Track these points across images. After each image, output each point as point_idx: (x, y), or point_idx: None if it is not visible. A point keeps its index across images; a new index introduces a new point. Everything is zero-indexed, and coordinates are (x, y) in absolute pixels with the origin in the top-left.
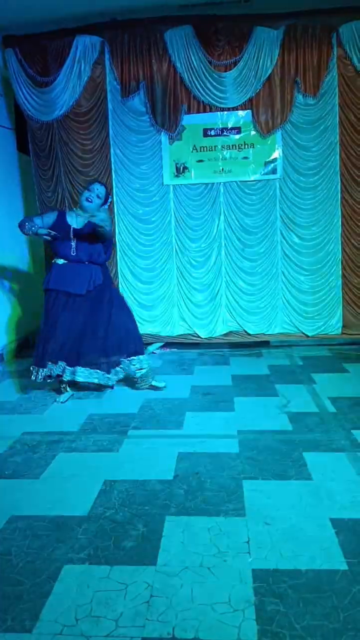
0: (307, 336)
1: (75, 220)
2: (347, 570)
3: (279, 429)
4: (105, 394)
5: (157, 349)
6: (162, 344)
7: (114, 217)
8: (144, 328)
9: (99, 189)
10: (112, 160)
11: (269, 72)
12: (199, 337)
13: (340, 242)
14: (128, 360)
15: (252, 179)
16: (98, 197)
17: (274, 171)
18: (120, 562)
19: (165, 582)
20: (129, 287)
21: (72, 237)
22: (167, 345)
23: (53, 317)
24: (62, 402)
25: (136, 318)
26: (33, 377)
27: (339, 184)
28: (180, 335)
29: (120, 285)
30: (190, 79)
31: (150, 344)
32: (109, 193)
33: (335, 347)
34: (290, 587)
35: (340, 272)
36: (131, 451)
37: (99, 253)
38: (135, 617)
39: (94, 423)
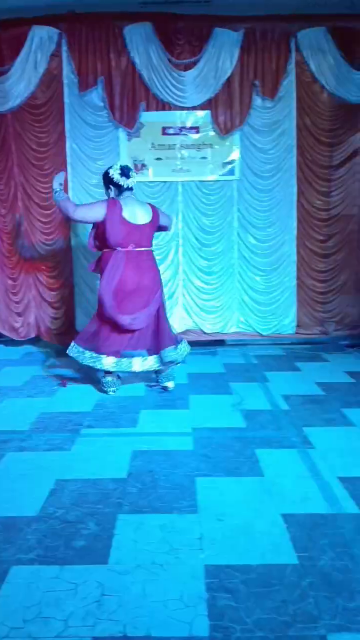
0: (262, 335)
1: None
2: (297, 564)
3: (233, 426)
4: (57, 392)
5: None
6: None
7: None
8: None
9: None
10: (68, 154)
11: (229, 73)
12: None
13: (295, 243)
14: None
15: (210, 179)
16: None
17: (231, 172)
18: (70, 561)
19: (117, 581)
20: (84, 285)
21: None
22: None
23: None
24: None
25: (89, 316)
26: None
27: (295, 187)
28: None
29: (75, 282)
30: (150, 76)
31: None
32: (103, 177)
33: (289, 347)
34: (241, 582)
35: (295, 273)
36: (84, 450)
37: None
38: (86, 616)
39: (45, 422)
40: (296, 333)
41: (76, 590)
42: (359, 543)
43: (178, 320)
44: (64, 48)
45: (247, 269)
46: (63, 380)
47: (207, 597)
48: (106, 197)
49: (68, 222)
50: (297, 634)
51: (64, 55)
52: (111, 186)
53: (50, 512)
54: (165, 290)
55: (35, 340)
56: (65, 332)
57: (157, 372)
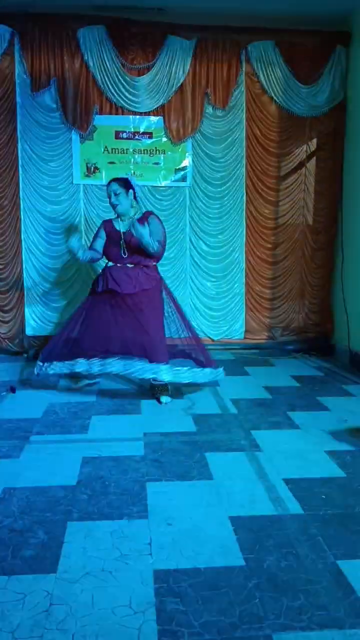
0: (213, 340)
1: (122, 225)
2: (244, 566)
3: (184, 430)
4: (5, 399)
5: None
6: None
7: (20, 214)
8: (49, 330)
9: (113, 188)
10: (20, 155)
11: (181, 80)
12: None
13: (244, 250)
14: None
15: (162, 184)
16: (115, 194)
17: (184, 179)
18: (18, 571)
19: (66, 589)
20: (35, 288)
21: (120, 240)
22: None
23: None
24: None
25: (42, 320)
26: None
27: (244, 195)
28: None
29: (25, 286)
30: (103, 79)
31: None
32: (126, 182)
33: (238, 351)
34: (189, 586)
35: (244, 279)
36: (33, 457)
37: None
38: (34, 627)
39: None
40: (245, 338)
41: (24, 600)
42: (303, 543)
43: None
44: (17, 47)
45: (199, 275)
46: (11, 386)
47: (155, 602)
48: (129, 199)
49: (17, 226)
50: (243, 634)
51: (17, 54)
52: (131, 192)
53: None
54: None
55: None
56: (16, 335)
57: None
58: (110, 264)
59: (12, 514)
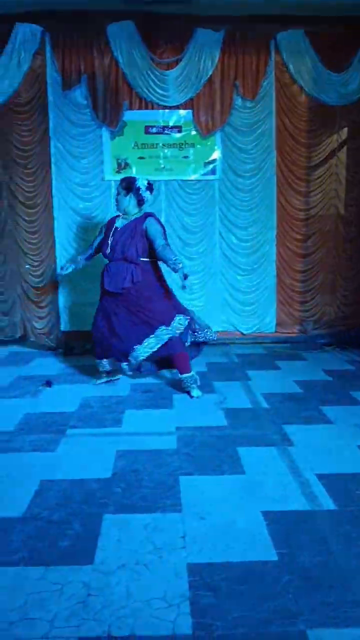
0: (243, 334)
1: (120, 222)
2: (277, 560)
3: (216, 424)
4: (42, 393)
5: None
6: None
7: (52, 211)
8: (82, 325)
9: (116, 187)
10: (52, 152)
11: (210, 73)
12: None
13: (274, 243)
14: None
15: (192, 178)
16: (118, 193)
17: (213, 172)
18: (55, 562)
19: (102, 581)
20: (69, 283)
21: (110, 235)
22: None
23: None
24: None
25: (75, 315)
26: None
27: (275, 187)
28: None
29: (60, 282)
30: (132, 75)
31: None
32: (129, 183)
33: (269, 345)
34: (223, 580)
35: (275, 272)
36: (69, 450)
37: (136, 251)
38: (71, 617)
39: (30, 422)
40: (276, 332)
41: (61, 591)
42: (337, 539)
43: None
44: (48, 46)
45: (229, 269)
46: (48, 380)
47: (189, 596)
48: (116, 202)
49: (50, 223)
50: (277, 629)
51: (48, 53)
52: (132, 195)
53: (35, 513)
54: None
55: (21, 340)
56: (51, 331)
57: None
58: (106, 261)
59: (49, 506)
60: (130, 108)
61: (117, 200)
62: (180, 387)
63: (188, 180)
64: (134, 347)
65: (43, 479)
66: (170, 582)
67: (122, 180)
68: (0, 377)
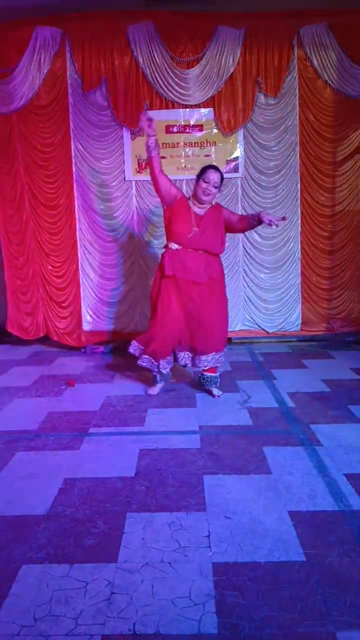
0: (268, 333)
1: (198, 210)
2: (304, 561)
3: (240, 424)
4: (65, 392)
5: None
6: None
7: (74, 212)
8: (105, 325)
9: (214, 179)
10: (73, 154)
11: (231, 70)
12: None
13: (299, 240)
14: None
15: None
16: (215, 186)
17: (235, 169)
18: (80, 560)
19: (126, 579)
20: (90, 283)
21: (193, 222)
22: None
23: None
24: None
25: (98, 315)
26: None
27: (299, 183)
28: (142, 331)
29: (81, 282)
30: (153, 75)
31: (112, 341)
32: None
33: (294, 344)
34: (249, 580)
35: (300, 270)
36: (92, 449)
37: (220, 243)
38: (96, 614)
39: (54, 421)
40: (302, 330)
41: (86, 588)
42: None
43: None
44: (67, 48)
45: (253, 267)
46: (70, 379)
47: (215, 595)
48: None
49: (72, 224)
50: (305, 630)
51: (67, 55)
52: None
53: (59, 510)
54: None
55: (44, 340)
56: (73, 331)
57: (202, 377)
58: (175, 245)
59: (73, 504)
60: (151, 108)
61: (203, 194)
62: (200, 386)
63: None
64: (201, 357)
65: (67, 477)
66: (195, 581)
67: (220, 172)
68: (23, 376)
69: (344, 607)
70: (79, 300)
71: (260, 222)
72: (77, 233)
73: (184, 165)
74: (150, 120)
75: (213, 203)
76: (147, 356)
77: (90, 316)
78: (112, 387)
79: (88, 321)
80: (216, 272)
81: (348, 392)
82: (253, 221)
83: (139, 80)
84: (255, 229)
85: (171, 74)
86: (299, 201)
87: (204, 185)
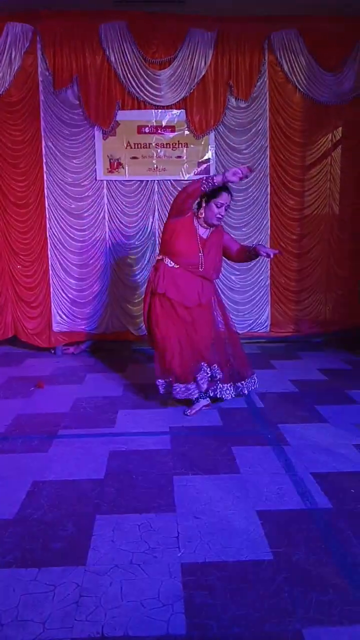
0: (238, 334)
1: (201, 228)
2: (272, 560)
3: (210, 424)
4: (34, 394)
5: (87, 347)
6: (92, 342)
7: (45, 211)
8: (75, 325)
9: (227, 202)
10: (44, 152)
11: (203, 73)
12: (132, 334)
13: (269, 243)
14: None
15: (185, 178)
16: (226, 209)
17: (207, 171)
18: (48, 563)
19: (95, 582)
20: (60, 283)
21: (199, 247)
22: (100, 342)
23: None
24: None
25: (68, 315)
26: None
27: (269, 187)
28: (113, 332)
29: (51, 281)
30: (125, 74)
31: (82, 341)
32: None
33: (264, 345)
34: (218, 579)
35: (269, 272)
36: (61, 451)
37: (218, 269)
38: (64, 618)
39: (22, 423)
40: (271, 331)
41: (54, 592)
42: (332, 537)
43: None
44: (39, 45)
45: (223, 268)
46: (40, 381)
47: (184, 595)
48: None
49: (42, 223)
50: (272, 629)
51: (39, 52)
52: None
53: (27, 514)
54: (143, 289)
55: (13, 340)
56: (43, 331)
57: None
58: (171, 263)
59: (41, 506)
60: (123, 108)
61: (216, 218)
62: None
63: (181, 180)
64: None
65: (35, 480)
66: (164, 582)
67: (230, 193)
68: None
69: (310, 604)
70: (49, 301)
71: (256, 255)
72: (48, 232)
73: (155, 166)
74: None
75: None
76: (178, 384)
77: (61, 317)
78: (83, 388)
79: (58, 322)
80: (206, 299)
81: (315, 393)
82: (250, 254)
83: (111, 79)
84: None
85: (143, 74)
86: (268, 204)
87: (216, 210)
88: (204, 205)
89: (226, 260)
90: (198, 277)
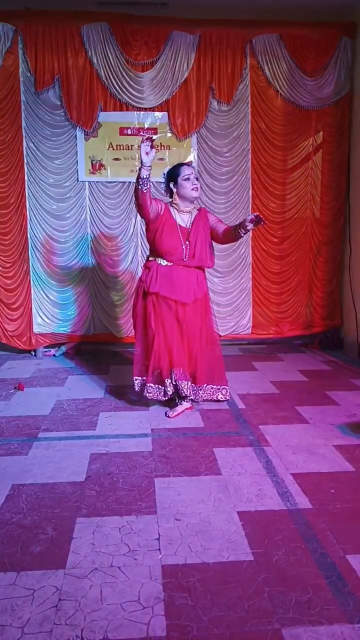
0: (220, 336)
1: (181, 218)
2: (252, 560)
3: (191, 426)
4: (13, 396)
5: (69, 349)
6: (73, 344)
7: (26, 212)
8: (57, 327)
9: (193, 172)
10: (25, 153)
11: (185, 75)
12: (114, 336)
13: (250, 245)
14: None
15: None
16: (197, 178)
17: None
18: (27, 567)
19: (75, 585)
20: (42, 285)
21: (181, 238)
22: (81, 344)
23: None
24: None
25: (50, 317)
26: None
27: (250, 189)
28: (95, 334)
29: (32, 283)
30: (107, 76)
31: (64, 343)
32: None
33: (245, 346)
34: (198, 581)
35: (251, 274)
36: (41, 454)
37: (211, 255)
38: (43, 622)
39: (2, 426)
40: (252, 333)
41: (33, 596)
42: (312, 538)
43: None
44: (20, 45)
45: (206, 270)
46: (20, 383)
47: (164, 597)
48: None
49: (23, 224)
50: (252, 629)
51: (20, 52)
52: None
53: (6, 518)
54: (125, 291)
55: None
56: (23, 333)
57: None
58: (164, 262)
59: (20, 510)
60: (105, 109)
61: (192, 190)
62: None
63: (164, 182)
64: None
65: (15, 483)
66: (144, 585)
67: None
68: None
69: (289, 604)
70: (30, 302)
71: (245, 229)
72: (29, 233)
73: (137, 167)
74: (150, 146)
75: (197, 209)
76: (152, 384)
77: (42, 318)
78: (63, 390)
79: (39, 323)
80: (202, 293)
81: (296, 394)
82: (237, 230)
83: (93, 80)
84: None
85: (125, 76)
86: (250, 207)
87: (188, 184)
88: (175, 190)
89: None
90: (193, 271)
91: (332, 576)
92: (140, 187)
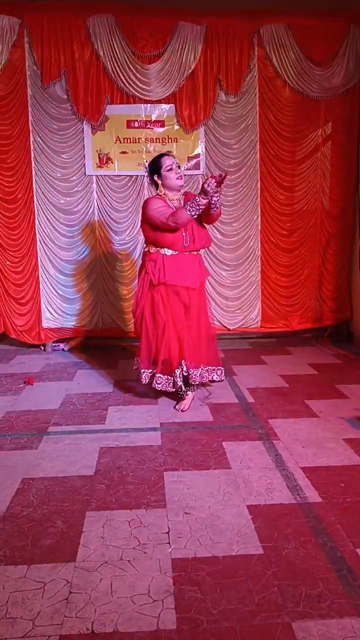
0: (229, 329)
1: (172, 207)
2: (262, 554)
3: (201, 420)
4: (23, 390)
5: (77, 343)
6: (78, 340)
7: (34, 207)
8: (65, 322)
9: (174, 162)
10: (32, 147)
11: (192, 67)
12: (122, 330)
13: (259, 238)
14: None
15: None
16: (178, 166)
17: (197, 166)
18: (37, 560)
19: (85, 578)
20: (50, 279)
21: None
22: (90, 339)
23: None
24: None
25: (58, 312)
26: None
27: (259, 181)
28: (104, 328)
29: (40, 277)
30: (114, 68)
31: (72, 338)
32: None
33: (254, 340)
34: (208, 574)
35: (259, 267)
36: (51, 448)
37: (208, 235)
38: (53, 615)
39: (12, 420)
40: (261, 327)
41: (44, 589)
42: (322, 531)
43: None
44: (26, 39)
45: (214, 264)
46: (29, 378)
47: (174, 591)
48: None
49: (31, 219)
50: (262, 622)
51: (26, 46)
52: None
53: (16, 511)
54: (133, 284)
55: (2, 337)
56: (32, 328)
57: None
58: (169, 251)
59: (31, 503)
60: (112, 102)
61: (177, 178)
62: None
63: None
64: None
65: (25, 477)
66: (154, 578)
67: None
68: None
69: (299, 598)
70: (39, 297)
71: (205, 194)
72: (37, 228)
73: (145, 160)
74: (216, 184)
75: (183, 194)
76: (162, 374)
77: (50, 313)
78: (73, 385)
79: (48, 318)
80: (204, 277)
81: (305, 387)
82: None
83: (100, 73)
84: (215, 226)
85: (132, 68)
86: (259, 199)
87: (172, 174)
88: (159, 182)
89: (214, 255)
90: (195, 257)
91: (342, 570)
92: (190, 213)
